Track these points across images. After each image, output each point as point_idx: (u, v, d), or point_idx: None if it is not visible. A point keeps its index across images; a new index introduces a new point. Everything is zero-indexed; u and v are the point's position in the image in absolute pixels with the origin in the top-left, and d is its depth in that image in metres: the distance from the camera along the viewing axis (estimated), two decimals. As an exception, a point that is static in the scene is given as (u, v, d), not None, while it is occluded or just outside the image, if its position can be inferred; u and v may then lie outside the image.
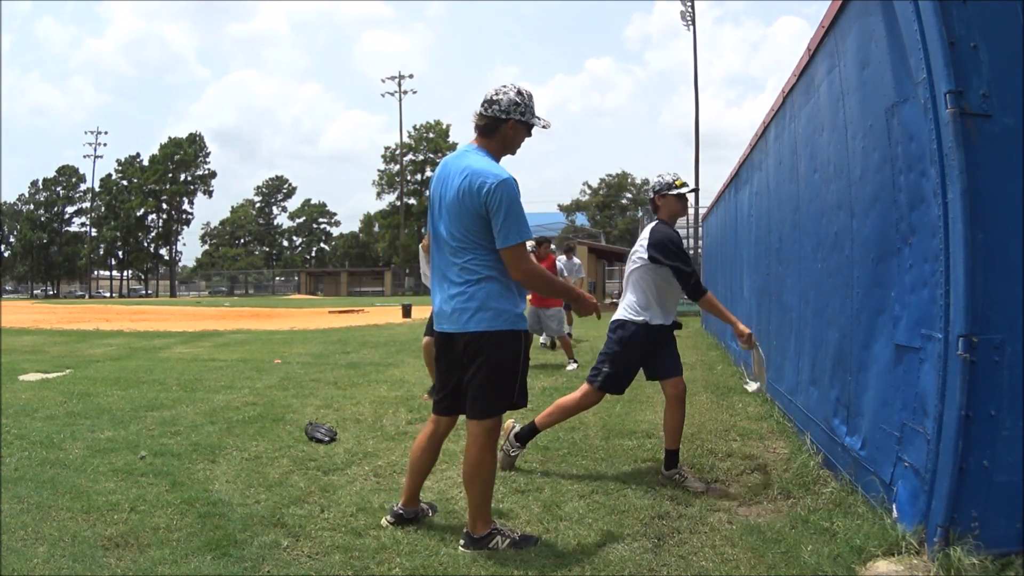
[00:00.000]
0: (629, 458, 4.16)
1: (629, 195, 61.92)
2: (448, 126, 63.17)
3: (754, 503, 3.38)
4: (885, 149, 3.00)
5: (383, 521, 3.05)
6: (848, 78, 3.51)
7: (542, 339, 11.89)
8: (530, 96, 2.81)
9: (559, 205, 65.13)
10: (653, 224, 3.86)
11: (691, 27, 35.43)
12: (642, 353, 3.79)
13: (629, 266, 3.90)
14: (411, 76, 70.66)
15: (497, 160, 2.82)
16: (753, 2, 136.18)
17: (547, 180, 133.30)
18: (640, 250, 3.80)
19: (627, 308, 3.80)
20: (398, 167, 62.49)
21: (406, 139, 62.69)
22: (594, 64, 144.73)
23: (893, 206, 2.92)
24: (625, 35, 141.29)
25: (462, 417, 2.93)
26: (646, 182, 61.41)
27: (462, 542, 2.81)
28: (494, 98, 2.78)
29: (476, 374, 2.76)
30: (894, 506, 2.76)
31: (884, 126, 3.00)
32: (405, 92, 61.32)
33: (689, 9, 35.40)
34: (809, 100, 4.39)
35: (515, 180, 2.69)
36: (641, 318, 3.74)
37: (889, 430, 2.90)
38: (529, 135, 2.87)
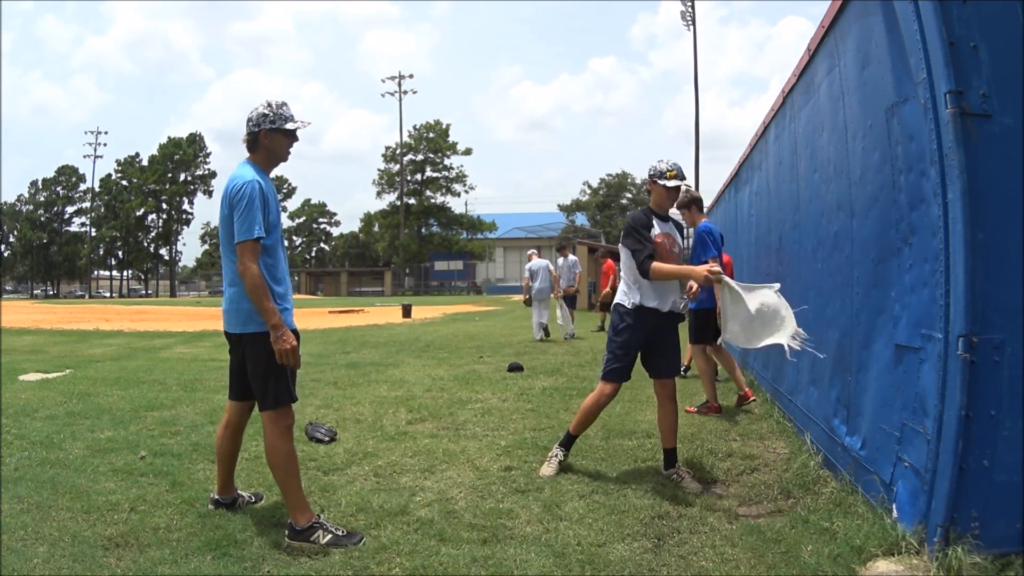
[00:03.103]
0: (629, 458, 4.16)
1: (629, 195, 61.79)
2: (448, 126, 63.13)
3: (754, 503, 3.38)
4: (885, 149, 3.00)
5: (209, 507, 3.23)
6: (848, 78, 3.50)
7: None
8: (280, 105, 3.03)
9: (559, 205, 65.03)
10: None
11: (691, 27, 35.47)
12: (638, 336, 3.82)
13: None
14: (411, 76, 70.72)
15: (268, 170, 3.05)
16: (759, 2, 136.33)
17: (549, 180, 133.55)
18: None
19: (620, 293, 3.91)
20: (398, 167, 62.48)
21: (406, 139, 62.75)
22: (598, 64, 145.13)
23: (893, 206, 2.92)
24: (630, 35, 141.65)
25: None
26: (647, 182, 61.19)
27: (287, 532, 2.90)
28: (248, 117, 3.02)
29: (251, 371, 2.99)
30: (894, 506, 2.76)
31: (884, 126, 3.00)
32: (405, 92, 61.37)
33: (689, 9, 35.43)
34: (809, 100, 4.39)
35: (260, 184, 2.89)
36: (631, 300, 3.81)
37: (889, 430, 2.90)
38: (290, 139, 3.07)
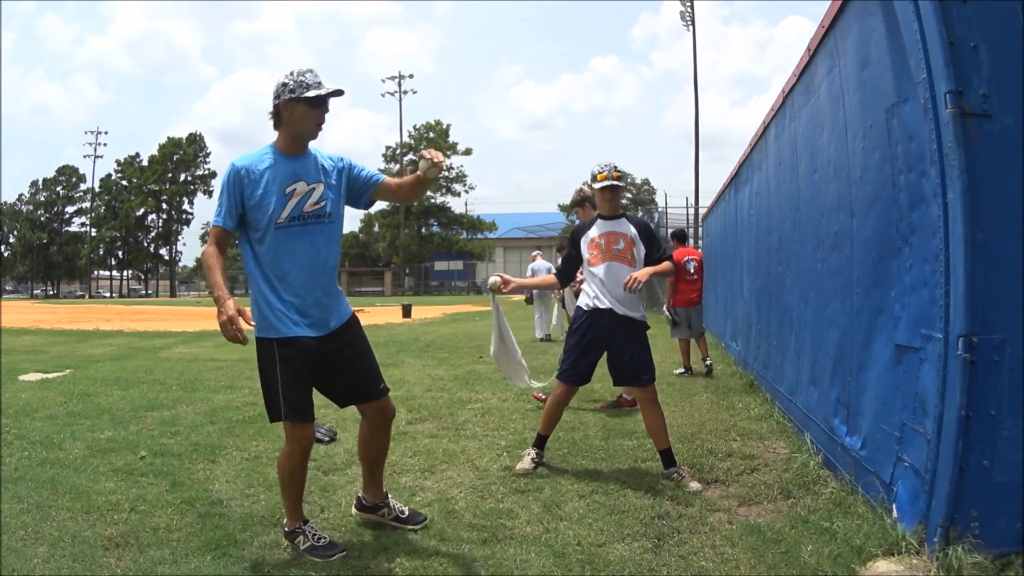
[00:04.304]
0: (629, 458, 4.16)
1: (629, 195, 61.84)
2: (448, 126, 63.12)
3: (754, 503, 3.38)
4: (885, 149, 3.00)
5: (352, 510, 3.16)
6: (848, 78, 3.50)
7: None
8: (301, 73, 2.69)
9: (559, 205, 64.99)
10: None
11: (690, 27, 35.48)
12: (592, 339, 3.85)
13: None
14: (411, 76, 70.82)
15: (292, 151, 2.75)
16: (761, 1, 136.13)
17: (549, 180, 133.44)
18: None
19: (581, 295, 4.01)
20: (398, 167, 62.43)
21: (407, 139, 62.71)
22: (599, 63, 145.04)
23: (893, 206, 2.92)
24: (632, 35, 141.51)
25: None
26: (647, 182, 61.33)
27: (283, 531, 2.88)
28: (272, 92, 2.74)
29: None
30: (894, 506, 2.76)
31: (884, 126, 3.00)
32: (406, 92, 61.38)
33: (688, 9, 35.44)
34: (809, 100, 4.39)
35: (236, 168, 2.68)
36: (587, 303, 3.88)
37: (889, 430, 2.90)
38: (316, 108, 2.71)
